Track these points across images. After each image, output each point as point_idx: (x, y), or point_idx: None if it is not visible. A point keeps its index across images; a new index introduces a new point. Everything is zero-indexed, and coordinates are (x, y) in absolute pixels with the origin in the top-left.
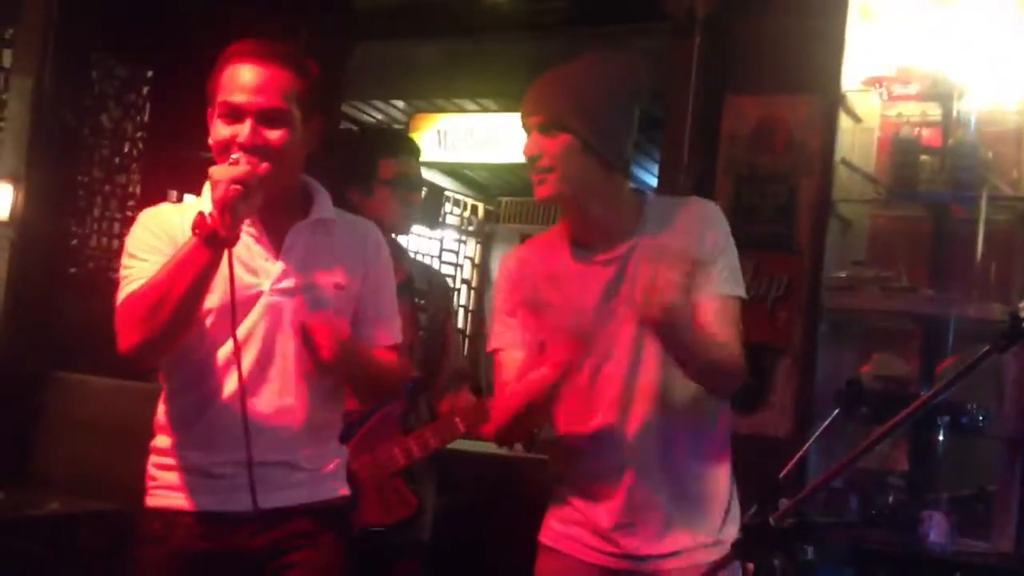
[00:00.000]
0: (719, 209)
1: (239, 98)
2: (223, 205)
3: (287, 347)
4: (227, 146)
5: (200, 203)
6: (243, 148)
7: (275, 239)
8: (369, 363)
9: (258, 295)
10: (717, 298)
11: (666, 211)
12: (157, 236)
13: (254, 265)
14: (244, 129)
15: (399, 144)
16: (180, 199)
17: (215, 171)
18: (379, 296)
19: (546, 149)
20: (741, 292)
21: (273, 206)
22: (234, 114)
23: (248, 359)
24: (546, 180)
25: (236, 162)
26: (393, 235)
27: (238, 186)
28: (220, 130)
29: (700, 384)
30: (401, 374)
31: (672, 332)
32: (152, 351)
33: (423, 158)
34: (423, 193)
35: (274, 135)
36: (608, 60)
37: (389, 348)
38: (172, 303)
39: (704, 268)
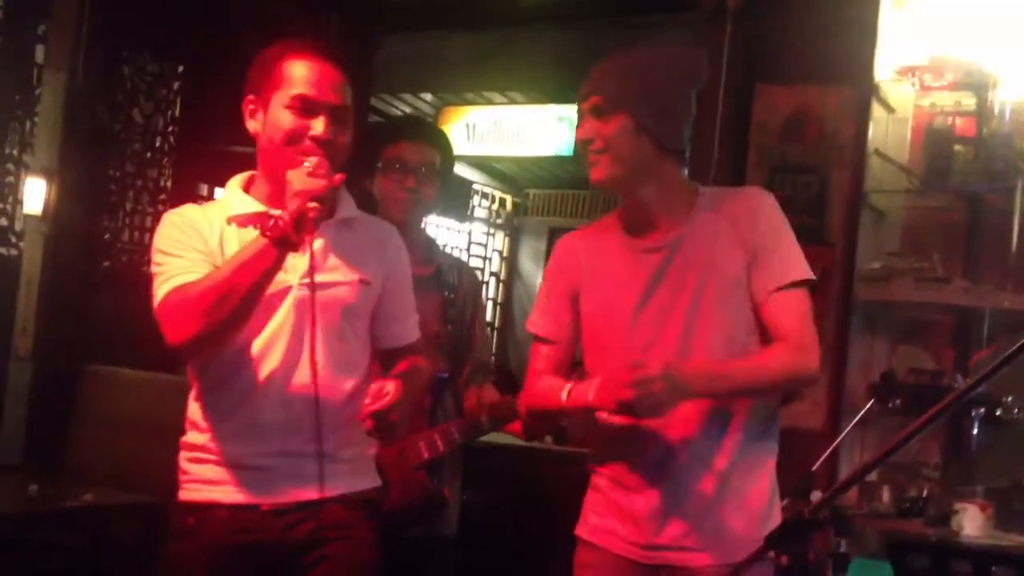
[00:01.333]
0: (771, 195)
1: (316, 93)
2: (300, 219)
3: (317, 340)
4: (298, 138)
5: (225, 199)
6: (318, 142)
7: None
8: (418, 388)
9: (287, 290)
10: (776, 292)
11: (719, 201)
12: (187, 233)
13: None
14: (319, 124)
15: (398, 129)
16: (210, 193)
17: (295, 181)
18: (400, 294)
19: (600, 131)
20: (804, 274)
21: None
22: (308, 108)
23: (278, 353)
24: (599, 162)
25: (315, 173)
26: (401, 224)
27: (316, 204)
28: (290, 121)
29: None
30: (432, 371)
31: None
32: (208, 345)
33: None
34: (431, 179)
35: (342, 134)
36: (663, 47)
37: (411, 346)
38: (236, 299)
39: (761, 261)
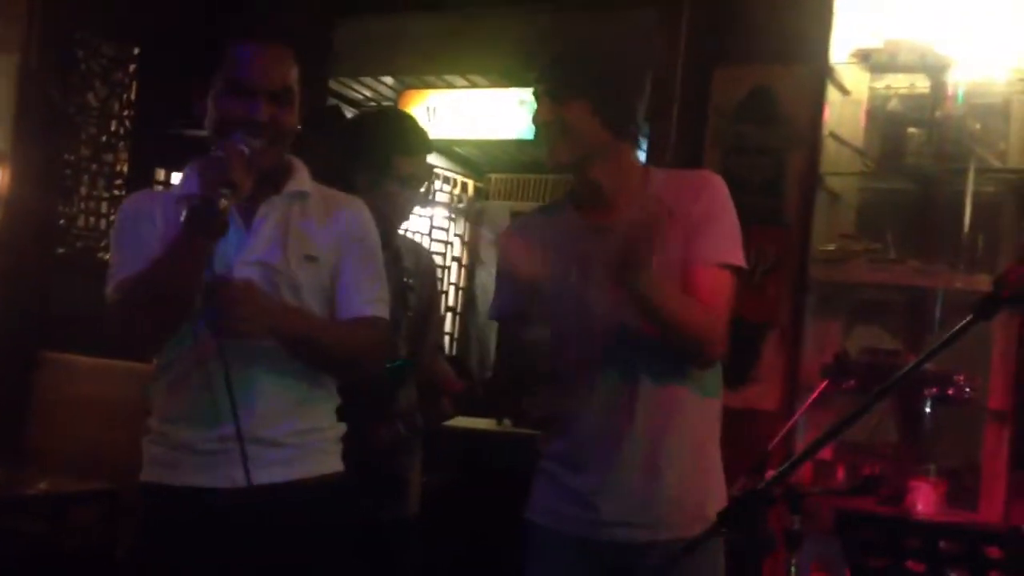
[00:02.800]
0: (719, 178)
1: (252, 76)
2: (210, 206)
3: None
4: (233, 120)
5: (185, 183)
6: (256, 125)
7: (247, 212)
8: (315, 334)
9: (227, 271)
10: (702, 266)
11: (669, 182)
12: (138, 223)
13: (224, 240)
14: (257, 107)
15: (415, 141)
16: (167, 177)
17: (203, 167)
18: (357, 267)
19: (557, 115)
20: (735, 260)
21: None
22: (244, 91)
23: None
24: (556, 145)
25: (224, 157)
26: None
27: (227, 190)
28: (227, 105)
29: (671, 347)
30: (374, 349)
31: (632, 288)
32: (156, 338)
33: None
34: (426, 187)
35: (283, 115)
36: (620, 31)
37: (364, 320)
38: (170, 293)
39: (696, 236)
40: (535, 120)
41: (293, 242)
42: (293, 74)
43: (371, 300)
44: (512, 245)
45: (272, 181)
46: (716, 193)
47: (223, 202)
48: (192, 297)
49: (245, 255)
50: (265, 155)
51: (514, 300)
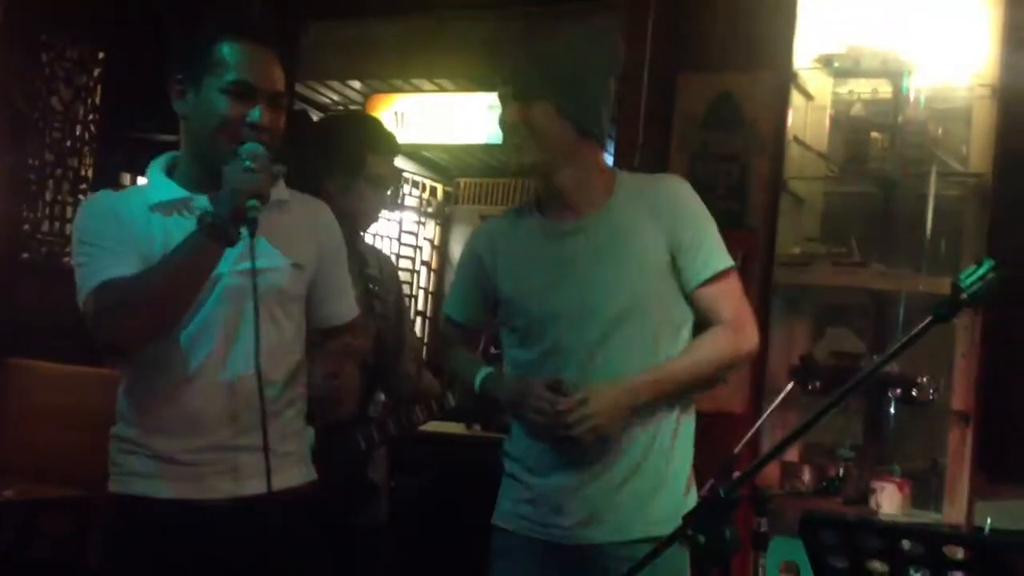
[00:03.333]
0: (689, 185)
1: (255, 79)
2: (240, 216)
3: (248, 329)
4: (232, 123)
5: (148, 184)
6: (257, 130)
7: None
8: (354, 367)
9: (216, 279)
10: (706, 284)
11: (637, 187)
12: (106, 221)
13: None
14: (257, 112)
15: (386, 141)
16: (133, 182)
17: (233, 178)
18: (335, 272)
19: (521, 117)
20: (727, 263)
21: None
22: (246, 94)
23: (209, 344)
24: (521, 147)
25: (253, 168)
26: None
27: (256, 202)
28: (226, 106)
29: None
30: (364, 351)
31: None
32: (144, 340)
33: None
34: (394, 194)
35: (279, 119)
36: (581, 31)
37: (348, 325)
38: (176, 296)
39: (689, 253)
40: (500, 122)
41: (281, 250)
42: (283, 77)
43: (353, 301)
44: (475, 248)
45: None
46: (693, 202)
47: (253, 216)
48: (195, 301)
49: (237, 262)
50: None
51: (466, 305)
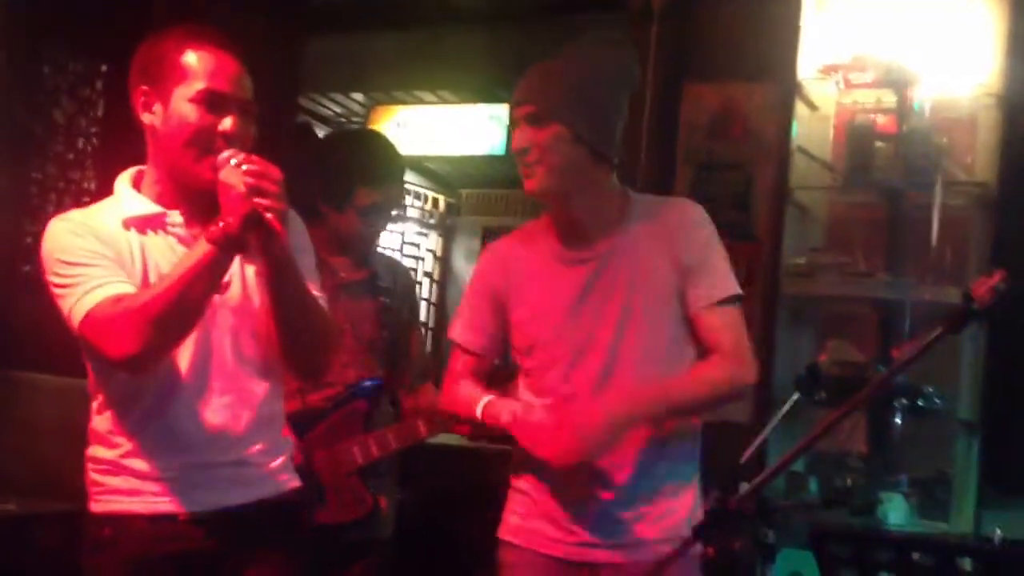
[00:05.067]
0: (702, 210)
1: (227, 88)
2: (253, 220)
3: (224, 344)
4: (204, 134)
5: (117, 199)
6: (228, 139)
7: (196, 237)
8: (301, 282)
9: None
10: (711, 309)
11: (650, 211)
12: (89, 240)
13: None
14: (229, 121)
15: (381, 173)
16: None
17: (235, 181)
18: (306, 274)
19: (535, 141)
20: (734, 290)
21: (203, 203)
22: (216, 103)
23: (186, 360)
24: (534, 173)
25: (253, 171)
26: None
27: (264, 201)
28: (196, 117)
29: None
30: (328, 323)
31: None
32: (155, 358)
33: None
34: (394, 214)
35: (249, 128)
36: (598, 50)
37: None
38: (186, 310)
39: (694, 277)
40: (512, 146)
41: (249, 259)
42: (251, 84)
43: (321, 298)
44: (484, 271)
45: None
46: (704, 228)
47: (269, 218)
48: (203, 314)
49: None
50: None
51: (476, 331)
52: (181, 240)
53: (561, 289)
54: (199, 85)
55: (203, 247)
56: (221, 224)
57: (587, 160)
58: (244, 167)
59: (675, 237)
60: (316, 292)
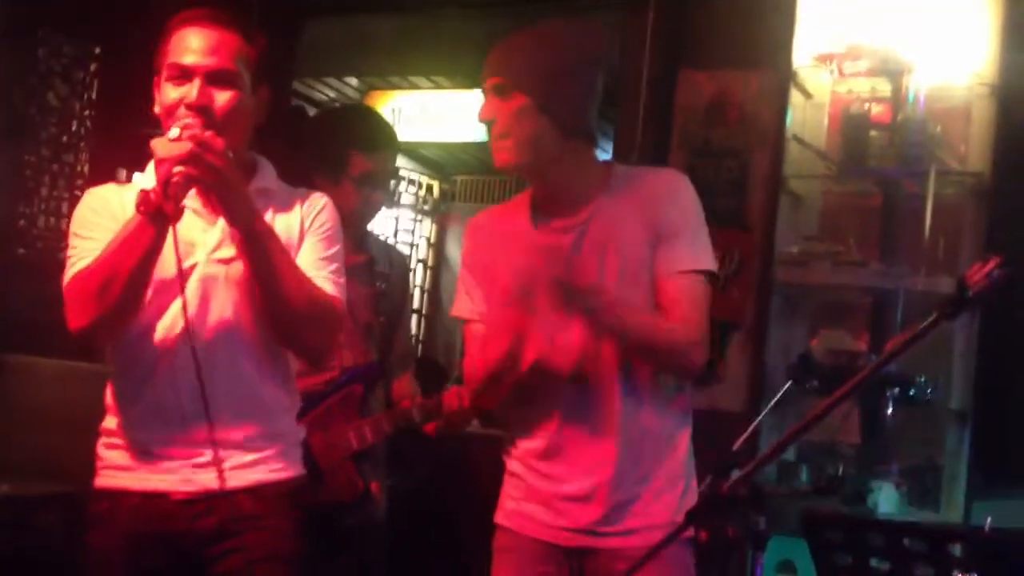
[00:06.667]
0: (687, 180)
1: (188, 59)
2: (166, 186)
3: (227, 319)
4: (174, 108)
5: (145, 180)
6: (190, 108)
7: (213, 209)
8: (279, 257)
9: (192, 267)
10: (677, 276)
11: (633, 180)
12: (99, 214)
13: (191, 237)
14: (192, 90)
15: (374, 139)
16: (129, 178)
17: (158, 147)
18: (315, 253)
19: (501, 112)
20: (708, 265)
21: None
22: (183, 75)
23: (178, 334)
24: (503, 145)
25: (179, 137)
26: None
27: (181, 168)
28: (168, 93)
29: (647, 365)
30: (322, 306)
31: (595, 316)
32: (105, 330)
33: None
34: (390, 187)
35: (223, 97)
36: (567, 25)
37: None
38: (121, 281)
39: (666, 243)
40: (479, 117)
41: None
42: (238, 55)
43: (328, 279)
44: (470, 246)
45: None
46: (686, 198)
47: (176, 181)
48: (146, 287)
49: (214, 251)
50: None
51: (472, 302)
52: (194, 211)
53: (540, 260)
54: (168, 61)
55: (133, 218)
56: (143, 193)
57: (554, 132)
58: (172, 133)
59: (658, 203)
60: (324, 274)
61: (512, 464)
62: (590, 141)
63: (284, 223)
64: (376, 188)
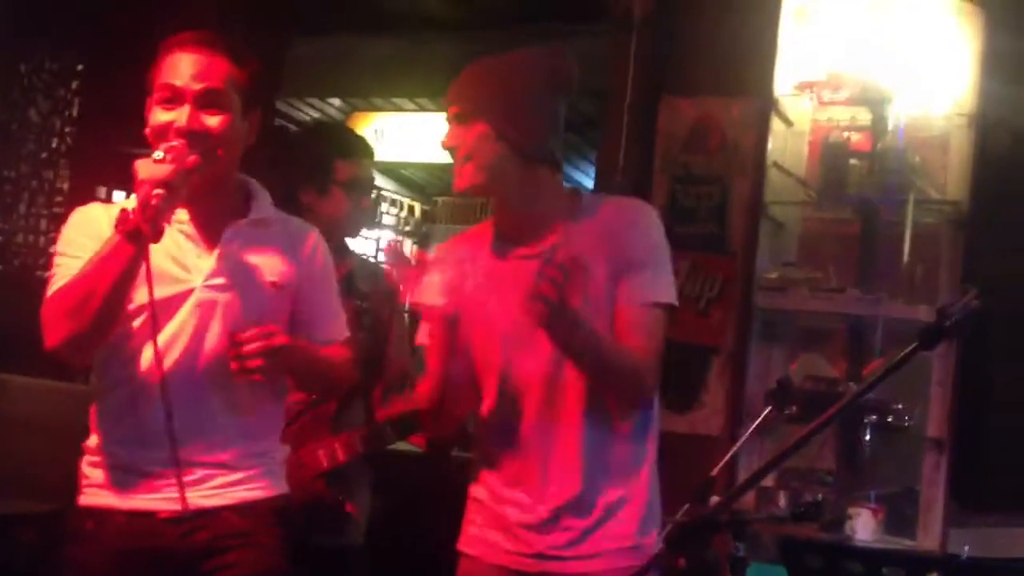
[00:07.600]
0: (655, 212)
1: (179, 82)
2: (145, 207)
3: (218, 344)
4: (164, 132)
5: (131, 201)
6: (180, 133)
7: (210, 234)
8: (315, 362)
9: (188, 292)
10: (637, 306)
11: (600, 209)
12: (84, 234)
13: (185, 261)
14: (182, 114)
15: (355, 145)
16: (109, 195)
17: (140, 168)
18: (317, 295)
19: (462, 139)
20: (669, 299)
21: (208, 200)
22: (173, 98)
23: (175, 356)
24: (463, 170)
25: (163, 159)
26: (344, 237)
27: (161, 191)
28: (158, 116)
29: (602, 390)
30: (351, 367)
31: (554, 330)
32: (78, 347)
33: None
34: (372, 195)
35: (213, 120)
36: (527, 53)
37: (344, 342)
38: (97, 299)
39: (630, 274)
40: (443, 144)
41: (259, 268)
42: (225, 80)
43: (341, 325)
44: (434, 274)
45: (236, 204)
46: (653, 231)
47: (155, 203)
48: (122, 307)
49: (210, 278)
50: (201, 166)
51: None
52: (187, 236)
53: (503, 287)
54: (159, 82)
55: (112, 237)
56: (123, 213)
57: (513, 158)
58: (156, 155)
59: (624, 235)
60: (341, 320)
61: (475, 490)
62: (554, 167)
63: (285, 256)
64: (364, 193)
